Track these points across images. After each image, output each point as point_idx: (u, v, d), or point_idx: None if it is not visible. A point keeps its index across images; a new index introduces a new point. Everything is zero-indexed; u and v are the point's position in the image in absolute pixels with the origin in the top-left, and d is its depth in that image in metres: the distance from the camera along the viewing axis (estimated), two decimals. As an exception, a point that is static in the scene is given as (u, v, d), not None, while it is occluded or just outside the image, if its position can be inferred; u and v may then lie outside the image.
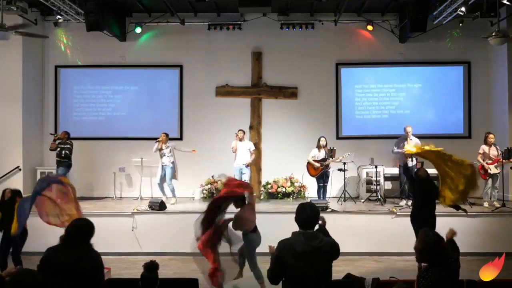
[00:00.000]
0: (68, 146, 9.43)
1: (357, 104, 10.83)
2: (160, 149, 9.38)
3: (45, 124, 10.86)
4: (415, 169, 9.07)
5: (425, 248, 3.18)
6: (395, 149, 9.25)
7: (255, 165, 10.47)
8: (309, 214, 3.28)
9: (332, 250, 3.21)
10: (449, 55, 10.63)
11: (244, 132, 9.50)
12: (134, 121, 10.81)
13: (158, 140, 9.38)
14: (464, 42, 10.45)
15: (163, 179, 9.41)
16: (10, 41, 8.11)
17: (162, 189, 9.48)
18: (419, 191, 6.55)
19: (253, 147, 9.51)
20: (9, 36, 7.71)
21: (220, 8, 10.45)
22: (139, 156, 10.02)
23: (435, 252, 3.14)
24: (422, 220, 6.10)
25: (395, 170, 10.03)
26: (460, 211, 6.55)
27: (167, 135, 9.53)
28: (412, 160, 8.94)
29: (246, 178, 9.18)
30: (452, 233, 4.05)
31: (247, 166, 9.27)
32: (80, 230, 3.34)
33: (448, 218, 6.84)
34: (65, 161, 9.36)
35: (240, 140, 9.31)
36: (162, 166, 9.41)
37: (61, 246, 3.31)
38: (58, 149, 9.36)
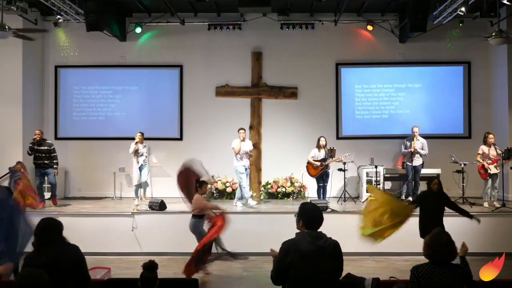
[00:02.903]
0: (53, 146, 9.06)
1: (357, 104, 10.82)
2: (137, 150, 9.32)
3: (45, 124, 10.85)
4: (420, 171, 9.17)
5: (433, 245, 3.19)
6: (403, 149, 9.35)
7: (255, 165, 10.47)
8: (318, 214, 3.29)
9: (336, 251, 3.20)
10: (449, 55, 10.62)
11: (245, 131, 9.43)
12: (134, 121, 10.78)
13: (137, 141, 9.26)
14: (464, 42, 10.44)
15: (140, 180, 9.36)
16: (10, 41, 8.11)
17: (137, 191, 9.43)
18: (430, 203, 6.24)
19: (252, 147, 9.41)
20: (9, 35, 7.69)
21: (220, 8, 10.45)
22: (139, 156, 10.01)
23: (441, 250, 3.15)
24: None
25: (395, 170, 10.06)
26: (472, 219, 6.37)
27: (142, 134, 9.43)
28: (415, 158, 9.02)
29: (247, 178, 9.16)
30: (465, 249, 3.76)
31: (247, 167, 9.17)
32: (48, 229, 3.34)
33: (449, 218, 6.81)
34: (55, 163, 8.99)
35: (243, 140, 9.15)
36: (139, 166, 9.32)
37: (36, 251, 3.30)
38: (45, 152, 8.85)
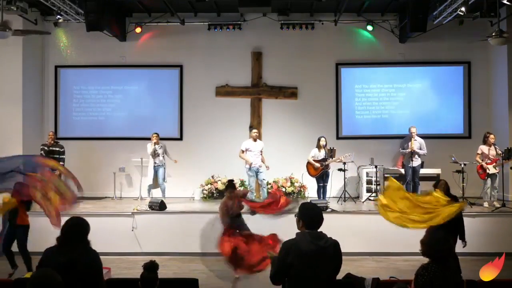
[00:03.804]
0: (64, 148, 9.38)
1: (357, 104, 10.82)
2: (154, 150, 9.31)
3: (45, 124, 10.86)
4: (419, 172, 9.13)
5: (431, 242, 3.19)
6: (401, 150, 9.36)
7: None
8: (318, 214, 3.30)
9: (336, 251, 3.21)
10: (449, 55, 10.62)
11: (257, 130, 9.33)
12: (134, 121, 10.81)
13: (155, 142, 9.29)
14: (464, 42, 10.42)
15: (155, 180, 9.33)
16: (10, 41, 8.12)
17: (150, 191, 9.42)
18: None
19: (262, 147, 9.25)
20: (8, 35, 7.69)
21: (220, 8, 10.45)
22: (139, 156, 10.01)
23: (440, 247, 3.15)
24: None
25: (395, 170, 10.05)
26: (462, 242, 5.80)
27: (158, 134, 9.45)
28: (414, 159, 9.02)
29: (263, 177, 9.10)
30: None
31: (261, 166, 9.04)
32: (75, 229, 3.34)
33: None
34: (62, 165, 9.04)
35: (255, 140, 9.07)
36: (155, 166, 9.30)
37: (58, 247, 3.30)
38: (56, 153, 9.16)
